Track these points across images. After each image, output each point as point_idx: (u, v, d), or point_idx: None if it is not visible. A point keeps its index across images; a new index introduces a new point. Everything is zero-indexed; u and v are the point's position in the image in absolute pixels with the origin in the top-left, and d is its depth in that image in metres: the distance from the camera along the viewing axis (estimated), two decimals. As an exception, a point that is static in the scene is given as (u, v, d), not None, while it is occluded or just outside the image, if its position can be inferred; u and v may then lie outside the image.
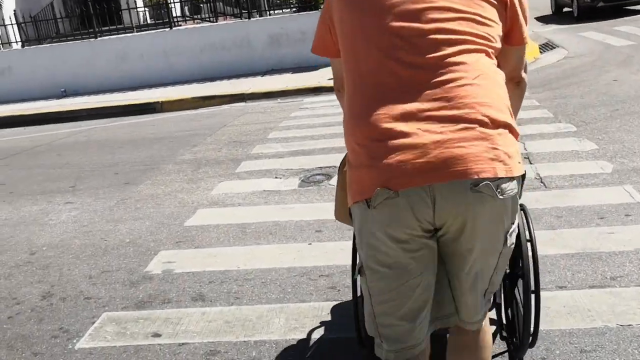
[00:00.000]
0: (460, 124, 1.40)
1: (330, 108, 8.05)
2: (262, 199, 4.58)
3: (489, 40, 1.51)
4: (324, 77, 10.40)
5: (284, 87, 9.94)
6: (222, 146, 6.53)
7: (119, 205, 4.82)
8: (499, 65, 1.55)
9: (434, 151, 1.38)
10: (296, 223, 3.97)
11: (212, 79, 11.54)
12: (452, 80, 1.43)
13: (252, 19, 11.68)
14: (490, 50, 1.52)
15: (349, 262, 2.30)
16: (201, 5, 15.68)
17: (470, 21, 1.48)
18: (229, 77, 11.41)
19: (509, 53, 1.64)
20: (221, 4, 13.68)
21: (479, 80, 1.45)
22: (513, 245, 1.56)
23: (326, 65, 11.16)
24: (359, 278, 1.64)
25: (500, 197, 1.42)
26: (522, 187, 1.56)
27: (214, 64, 11.66)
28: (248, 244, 3.72)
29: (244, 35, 11.55)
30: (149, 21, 17.75)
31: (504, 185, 1.42)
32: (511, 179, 1.44)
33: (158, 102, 10.10)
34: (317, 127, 6.89)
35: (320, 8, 11.65)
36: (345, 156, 1.82)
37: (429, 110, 1.42)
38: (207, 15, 13.94)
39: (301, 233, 3.80)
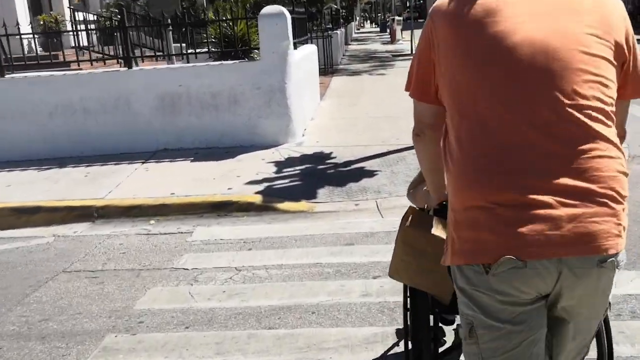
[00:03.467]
0: (593, 198, 1.39)
1: (235, 283, 3.75)
2: None
3: (612, 105, 1.47)
4: (242, 175, 6.12)
5: (165, 197, 5.63)
6: None
7: None
8: None
9: (567, 225, 1.37)
10: None
11: (62, 161, 7.08)
12: (586, 151, 1.40)
13: (134, 68, 7.34)
14: (613, 116, 1.47)
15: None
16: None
17: (599, 84, 1.43)
18: (91, 161, 7.01)
19: (619, 108, 1.54)
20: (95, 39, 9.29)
21: (609, 151, 1.43)
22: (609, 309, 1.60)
23: (245, 151, 6.88)
24: (464, 343, 1.58)
25: (619, 268, 1.45)
26: None
27: (71, 136, 7.25)
28: None
29: (119, 94, 7.19)
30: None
31: (619, 259, 1.43)
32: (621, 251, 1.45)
33: (-62, 214, 5.62)
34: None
35: (251, 57, 7.29)
36: (408, 210, 2.10)
37: (562, 181, 1.39)
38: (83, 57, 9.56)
39: None
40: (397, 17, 34.34)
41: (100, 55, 9.21)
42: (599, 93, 1.42)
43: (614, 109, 1.47)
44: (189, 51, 7.77)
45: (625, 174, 1.45)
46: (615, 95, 1.48)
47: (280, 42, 6.96)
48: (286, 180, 6.00)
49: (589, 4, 1.47)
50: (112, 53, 9.57)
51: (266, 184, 5.86)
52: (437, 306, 2.24)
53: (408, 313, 2.30)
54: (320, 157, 6.75)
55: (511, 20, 1.43)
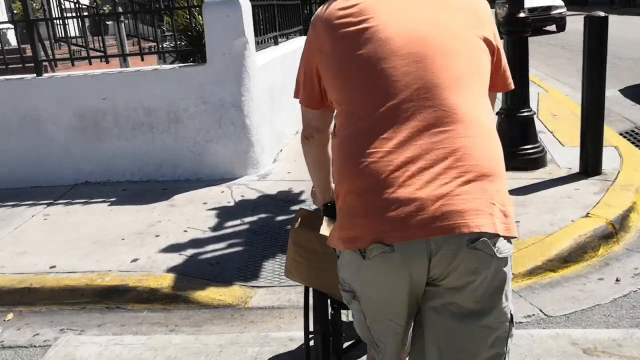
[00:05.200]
0: (463, 177, 1.35)
1: None
2: None
3: (486, 89, 1.49)
4: (163, 232, 4.25)
5: (39, 275, 3.84)
6: None
7: None
8: None
9: (434, 204, 1.33)
10: None
11: (-47, 199, 5.40)
12: (458, 130, 1.38)
13: (44, 75, 5.53)
14: (487, 99, 1.49)
15: None
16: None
17: (473, 67, 1.44)
18: (-11, 199, 5.29)
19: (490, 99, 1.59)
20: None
21: (483, 131, 1.41)
22: (512, 325, 1.46)
23: (189, 188, 4.98)
24: (351, 305, 1.58)
25: (499, 255, 1.36)
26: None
27: (-34, 165, 5.54)
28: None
29: (26, 111, 5.44)
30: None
31: (500, 245, 1.36)
32: (508, 239, 1.39)
33: None
34: None
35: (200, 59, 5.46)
36: (299, 211, 2.14)
37: (431, 160, 1.36)
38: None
39: None
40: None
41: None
42: (473, 75, 1.43)
43: (486, 92, 1.48)
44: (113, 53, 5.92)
45: (501, 154, 1.43)
46: (487, 81, 1.49)
47: (233, 40, 5.07)
48: (222, 245, 4.14)
49: (458, 1, 1.51)
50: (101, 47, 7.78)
51: (191, 251, 4.02)
52: (336, 302, 2.18)
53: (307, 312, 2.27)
54: (286, 200, 4.87)
55: (383, 15, 1.45)
